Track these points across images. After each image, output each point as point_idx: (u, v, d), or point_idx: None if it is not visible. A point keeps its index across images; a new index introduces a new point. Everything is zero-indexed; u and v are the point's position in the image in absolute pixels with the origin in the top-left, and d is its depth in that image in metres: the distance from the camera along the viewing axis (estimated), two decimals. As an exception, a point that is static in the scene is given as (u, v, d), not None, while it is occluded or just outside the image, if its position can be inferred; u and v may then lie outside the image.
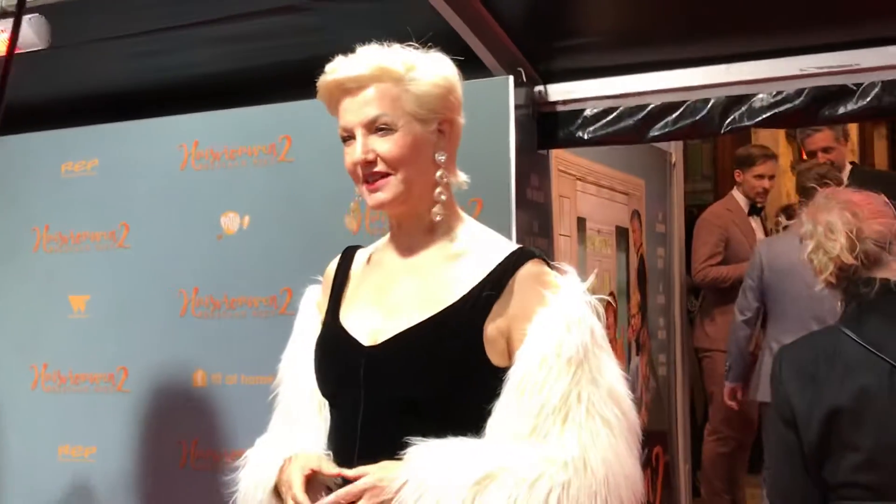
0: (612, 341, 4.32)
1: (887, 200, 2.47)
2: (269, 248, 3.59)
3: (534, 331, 1.61)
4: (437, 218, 1.71)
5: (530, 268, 1.67)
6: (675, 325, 5.14)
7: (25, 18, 3.17)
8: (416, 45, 1.78)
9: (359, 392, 1.67)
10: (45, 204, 4.08)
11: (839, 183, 4.17)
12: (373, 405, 1.66)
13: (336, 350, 1.74)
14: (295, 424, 1.79)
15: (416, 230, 1.74)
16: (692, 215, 5.41)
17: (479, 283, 1.66)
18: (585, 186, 3.97)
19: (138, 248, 3.87)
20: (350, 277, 1.83)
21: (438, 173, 1.72)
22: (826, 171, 4.43)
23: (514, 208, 3.16)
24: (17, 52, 3.29)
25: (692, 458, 5.13)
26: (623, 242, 4.42)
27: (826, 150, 4.68)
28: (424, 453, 1.56)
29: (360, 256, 1.87)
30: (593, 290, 1.69)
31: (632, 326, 4.51)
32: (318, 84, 1.74)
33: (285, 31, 3.45)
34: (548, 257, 1.73)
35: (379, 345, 1.67)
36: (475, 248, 1.72)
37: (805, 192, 4.03)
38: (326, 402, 1.76)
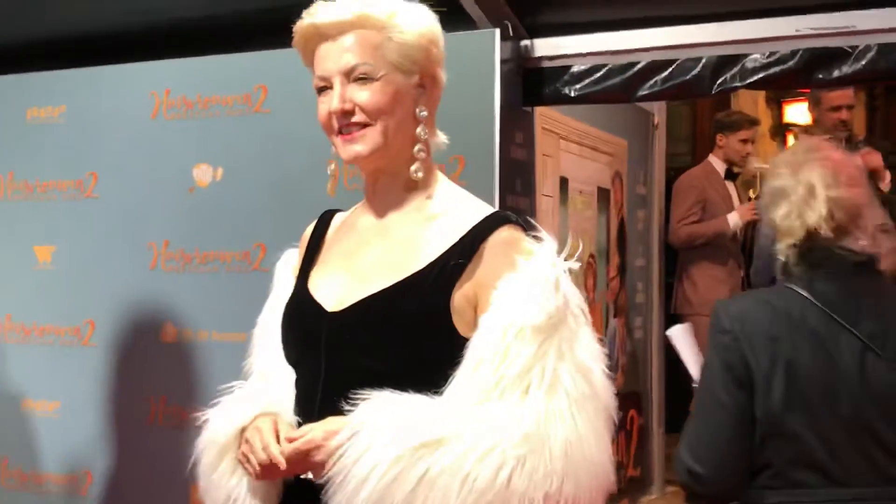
0: (591, 303, 4.29)
1: (860, 164, 2.37)
2: (243, 202, 3.48)
3: (499, 296, 1.52)
4: (418, 174, 1.61)
5: (503, 233, 1.56)
6: (653, 288, 5.10)
7: (-12, -46, 3.02)
8: None
9: (320, 359, 1.59)
10: (9, 150, 3.94)
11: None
12: (333, 372, 1.57)
13: (300, 315, 1.65)
14: (264, 387, 1.71)
15: (391, 189, 1.65)
16: (671, 177, 5.35)
17: (449, 249, 1.56)
18: (569, 146, 3.89)
19: (107, 199, 3.75)
20: (325, 242, 1.75)
21: (419, 129, 1.62)
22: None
23: (497, 166, 3.07)
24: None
25: (665, 422, 5.12)
26: (604, 204, 4.35)
27: (849, 107, 4.53)
28: (372, 408, 1.48)
29: (336, 221, 1.78)
30: (575, 256, 1.58)
31: (611, 289, 4.46)
32: (294, 29, 1.64)
33: (262, -24, 3.32)
34: (526, 220, 1.62)
35: (342, 311, 1.59)
36: (450, 211, 1.62)
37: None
38: None
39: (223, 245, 3.52)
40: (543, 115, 3.55)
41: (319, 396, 1.58)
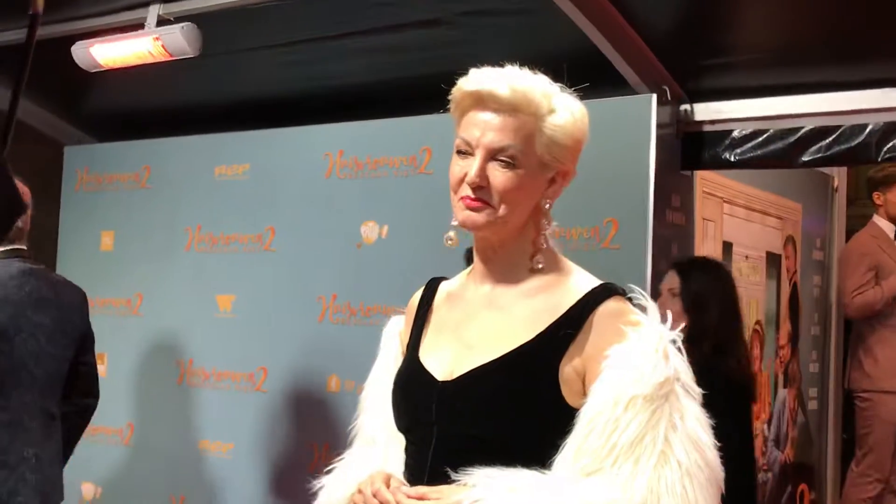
0: (758, 372, 4.16)
1: None
2: (406, 258, 3.60)
3: (609, 366, 1.53)
4: (538, 265, 1.64)
5: (610, 305, 1.57)
6: (829, 358, 4.88)
7: (178, 26, 3.29)
8: (554, 69, 1.70)
9: (431, 427, 1.63)
10: (198, 205, 4.24)
11: None
12: (444, 441, 1.61)
13: (412, 385, 1.69)
14: (375, 452, 1.77)
15: (501, 263, 1.68)
16: (857, 242, 5.08)
17: (557, 320, 1.58)
18: (733, 209, 3.82)
19: (283, 252, 3.96)
20: (432, 310, 1.79)
21: (543, 221, 1.65)
22: None
23: (650, 229, 3.06)
24: (170, 58, 3.45)
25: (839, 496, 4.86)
26: (774, 269, 4.22)
27: None
28: (488, 481, 1.51)
29: (443, 288, 1.82)
30: (683, 330, 1.57)
31: (780, 358, 4.31)
32: (456, 85, 1.67)
33: (431, 43, 3.46)
34: (631, 292, 1.62)
35: (452, 380, 1.62)
36: (557, 283, 1.64)
37: None
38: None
39: (386, 300, 3.64)
40: (706, 179, 3.51)
41: (429, 464, 1.61)
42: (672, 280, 2.90)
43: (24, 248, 2.97)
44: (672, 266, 2.98)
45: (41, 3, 0.77)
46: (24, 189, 2.99)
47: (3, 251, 3.00)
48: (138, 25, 3.51)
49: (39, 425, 2.81)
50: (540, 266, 1.63)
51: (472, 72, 1.63)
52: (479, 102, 1.61)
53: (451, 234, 1.67)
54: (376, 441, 1.78)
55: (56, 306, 2.92)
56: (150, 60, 3.51)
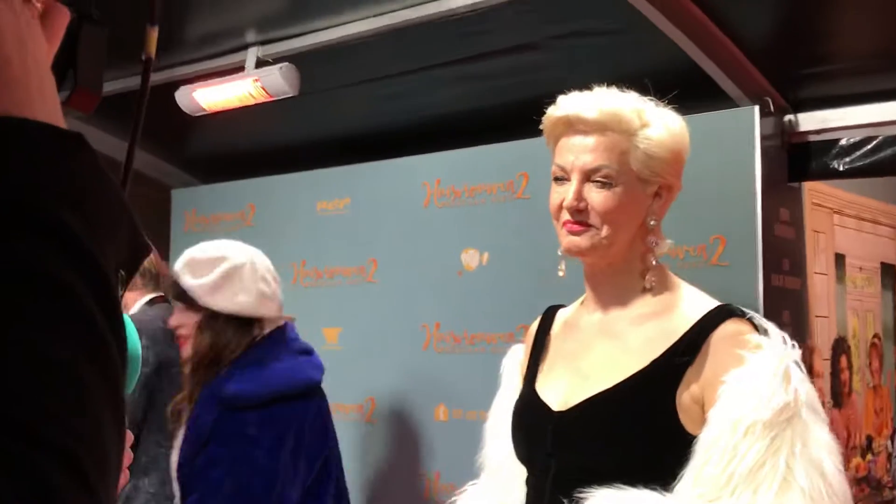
0: (877, 387, 4.01)
1: None
2: (507, 284, 3.59)
3: (727, 391, 1.48)
4: (651, 284, 1.61)
5: (728, 327, 1.52)
6: (954, 370, 4.68)
7: (276, 67, 3.36)
8: (653, 86, 1.68)
9: (549, 457, 1.61)
10: (302, 240, 4.30)
11: None
12: (562, 471, 1.59)
13: (528, 416, 1.69)
14: (500, 484, 1.76)
15: (612, 288, 1.65)
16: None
17: (673, 346, 1.54)
18: (844, 220, 3.70)
19: (385, 283, 3.99)
20: (550, 339, 1.77)
21: (650, 238, 1.62)
22: None
23: (759, 245, 2.98)
24: (270, 99, 3.52)
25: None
26: (889, 280, 4.07)
27: None
28: (605, 500, 1.48)
29: (559, 316, 1.80)
30: (808, 348, 1.52)
31: (901, 371, 4.14)
32: (546, 114, 1.67)
33: (523, 68, 3.45)
34: (752, 313, 1.56)
35: (567, 410, 1.61)
36: (672, 307, 1.60)
37: None
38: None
39: (489, 327, 3.64)
40: (813, 191, 3.41)
41: (547, 495, 1.60)
42: None
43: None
44: None
45: (153, 47, 0.79)
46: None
47: (150, 299, 3.23)
48: (238, 69, 3.60)
49: None
50: (652, 285, 1.60)
51: (560, 98, 1.64)
52: (569, 128, 1.61)
53: (562, 265, 1.67)
54: (498, 473, 1.77)
55: None
56: (251, 102, 3.59)
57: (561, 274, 1.67)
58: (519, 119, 3.48)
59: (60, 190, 0.61)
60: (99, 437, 0.57)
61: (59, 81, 0.70)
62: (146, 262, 3.10)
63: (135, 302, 3.50)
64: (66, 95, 0.74)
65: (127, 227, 0.66)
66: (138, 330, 2.09)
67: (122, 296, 0.64)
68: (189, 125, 4.12)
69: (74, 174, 0.63)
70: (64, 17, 0.73)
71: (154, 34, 0.79)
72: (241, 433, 2.42)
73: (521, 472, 1.73)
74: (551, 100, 1.71)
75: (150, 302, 3.54)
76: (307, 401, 2.67)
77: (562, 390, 1.64)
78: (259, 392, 2.49)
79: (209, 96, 3.68)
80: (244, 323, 2.60)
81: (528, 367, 1.77)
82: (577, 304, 1.78)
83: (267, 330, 2.68)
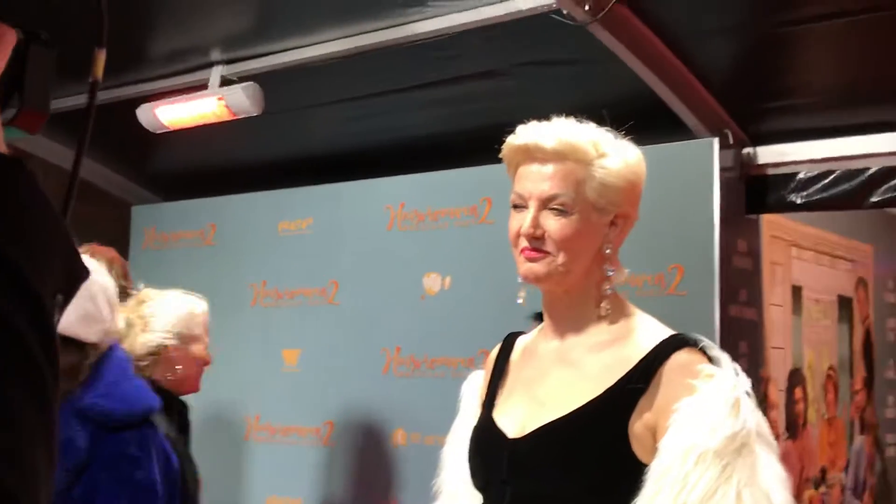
0: (833, 419, 4.05)
1: None
2: (469, 309, 3.59)
3: (678, 419, 1.48)
4: (607, 312, 1.62)
5: (681, 357, 1.53)
6: (907, 403, 4.73)
7: (241, 86, 3.35)
8: (615, 116, 1.69)
9: (505, 484, 1.61)
10: (263, 260, 4.28)
11: None
12: (517, 497, 1.59)
13: (484, 442, 1.69)
14: None
15: (569, 315, 1.66)
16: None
17: (627, 375, 1.55)
18: (801, 252, 3.74)
19: (346, 306, 3.98)
20: (509, 366, 1.78)
21: (605, 266, 1.63)
22: None
23: (717, 275, 3.01)
24: (233, 118, 3.51)
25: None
26: (846, 313, 4.13)
27: None
28: None
29: (519, 343, 1.80)
30: (764, 379, 1.53)
31: (855, 403, 4.19)
32: (504, 143, 1.69)
33: (489, 94, 3.47)
34: (704, 342, 1.57)
35: (522, 437, 1.61)
36: (627, 335, 1.61)
37: None
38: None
39: (451, 352, 3.63)
40: (772, 223, 3.45)
41: None
42: None
43: None
44: None
45: (100, 69, 0.79)
46: (113, 255, 3.08)
47: None
48: (202, 86, 3.59)
49: None
50: (606, 313, 1.61)
51: (519, 128, 1.65)
52: (527, 156, 1.63)
53: (521, 293, 1.67)
54: (457, 497, 1.77)
55: None
56: (214, 120, 3.58)
57: (520, 301, 1.67)
58: (483, 144, 3.48)
59: (4, 224, 0.63)
60: (29, 454, 0.59)
61: (4, 102, 0.71)
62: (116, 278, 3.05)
63: None
64: (13, 114, 0.74)
65: (65, 251, 0.67)
66: None
67: (58, 320, 0.65)
68: (152, 142, 4.10)
69: (17, 205, 0.64)
70: (10, 38, 0.73)
71: (102, 56, 0.79)
72: (124, 454, 2.30)
73: (477, 498, 1.72)
74: (514, 126, 1.73)
75: None
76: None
77: (518, 417, 1.64)
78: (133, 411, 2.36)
79: (171, 114, 3.66)
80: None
81: (487, 394, 1.76)
82: (536, 331, 1.78)
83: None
